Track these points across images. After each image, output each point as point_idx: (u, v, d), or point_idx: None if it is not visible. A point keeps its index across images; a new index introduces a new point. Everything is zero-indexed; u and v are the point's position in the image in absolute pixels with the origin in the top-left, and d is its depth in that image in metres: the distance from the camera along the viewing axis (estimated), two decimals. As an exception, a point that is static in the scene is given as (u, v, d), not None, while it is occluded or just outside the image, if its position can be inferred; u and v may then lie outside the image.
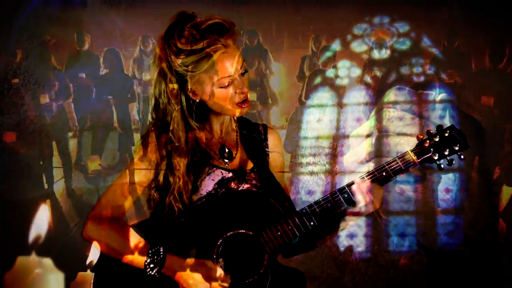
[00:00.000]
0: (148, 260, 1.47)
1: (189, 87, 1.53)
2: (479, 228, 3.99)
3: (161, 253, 1.47)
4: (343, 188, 1.57)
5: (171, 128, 1.56)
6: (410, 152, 1.59)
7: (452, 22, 4.13)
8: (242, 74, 1.53)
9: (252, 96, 4.46)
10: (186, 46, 1.47)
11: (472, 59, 4.18)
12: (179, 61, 1.49)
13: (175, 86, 1.54)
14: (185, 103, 1.56)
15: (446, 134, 1.59)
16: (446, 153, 1.59)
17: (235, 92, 1.52)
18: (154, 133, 1.60)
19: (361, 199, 1.54)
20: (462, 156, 1.60)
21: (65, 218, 4.30)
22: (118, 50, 4.31)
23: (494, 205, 3.90)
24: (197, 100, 1.55)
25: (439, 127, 1.61)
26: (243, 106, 1.54)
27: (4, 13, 4.35)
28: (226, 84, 1.51)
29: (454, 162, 1.59)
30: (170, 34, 1.51)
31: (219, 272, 1.47)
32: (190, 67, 1.49)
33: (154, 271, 1.47)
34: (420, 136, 1.62)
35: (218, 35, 1.49)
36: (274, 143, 1.73)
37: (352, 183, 1.58)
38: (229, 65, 1.49)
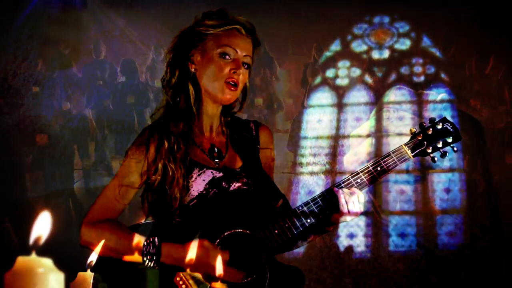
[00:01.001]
0: (145, 252, 1.47)
1: (194, 54, 1.58)
2: (479, 228, 4.00)
3: (156, 243, 1.48)
4: (339, 184, 1.57)
5: (174, 113, 1.59)
6: (404, 146, 1.59)
7: (446, 30, 4.13)
8: (243, 64, 1.57)
9: (258, 101, 4.49)
10: (211, 19, 1.57)
11: (466, 66, 4.19)
12: (201, 22, 1.58)
13: (185, 48, 1.60)
14: (187, 72, 1.60)
15: (439, 127, 1.59)
16: (440, 145, 1.59)
17: (230, 69, 1.55)
18: (146, 134, 1.61)
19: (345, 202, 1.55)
20: (455, 148, 1.61)
21: (66, 218, 4.30)
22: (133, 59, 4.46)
23: (494, 205, 3.91)
24: (192, 70, 1.59)
25: (432, 120, 1.62)
26: (231, 88, 1.56)
27: (4, 13, 4.35)
28: (227, 57, 1.55)
29: (447, 154, 1.59)
30: (209, 13, 1.61)
31: (217, 251, 1.48)
32: (208, 26, 1.57)
33: (153, 261, 1.47)
34: (413, 130, 1.62)
35: (242, 25, 1.58)
36: (265, 139, 1.74)
37: (348, 179, 1.58)
38: (239, 43, 1.58)
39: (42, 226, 0.74)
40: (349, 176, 1.57)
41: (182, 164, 1.55)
